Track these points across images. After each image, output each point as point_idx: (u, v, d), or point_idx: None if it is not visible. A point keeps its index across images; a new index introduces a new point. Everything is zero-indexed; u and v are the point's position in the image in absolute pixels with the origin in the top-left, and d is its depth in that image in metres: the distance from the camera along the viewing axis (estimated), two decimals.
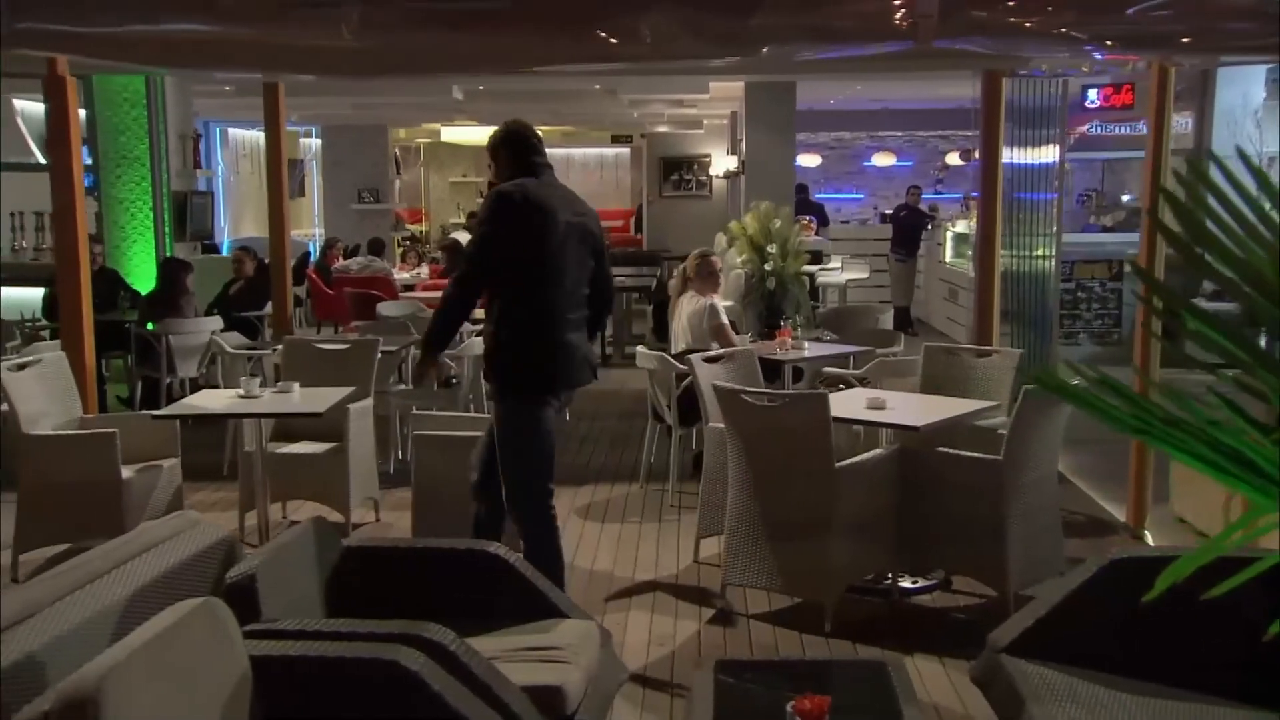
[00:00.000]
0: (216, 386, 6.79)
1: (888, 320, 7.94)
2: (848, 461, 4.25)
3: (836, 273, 11.72)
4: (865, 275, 12.21)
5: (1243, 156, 1.19)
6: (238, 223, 15.19)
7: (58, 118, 5.62)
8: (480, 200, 5.27)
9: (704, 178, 17.73)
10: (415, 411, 5.28)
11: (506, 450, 3.94)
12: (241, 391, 4.88)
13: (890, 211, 14.74)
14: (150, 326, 7.82)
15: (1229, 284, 1.11)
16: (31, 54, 5.04)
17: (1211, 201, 1.08)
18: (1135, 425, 1.15)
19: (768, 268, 7.26)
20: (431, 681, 2.36)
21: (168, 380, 7.68)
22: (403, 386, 6.93)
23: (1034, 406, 4.22)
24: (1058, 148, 8.40)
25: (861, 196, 18.84)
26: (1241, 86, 10.00)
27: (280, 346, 6.22)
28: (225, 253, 11.93)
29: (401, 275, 11.42)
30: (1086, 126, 11.90)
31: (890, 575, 4.57)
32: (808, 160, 17.36)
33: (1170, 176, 5.31)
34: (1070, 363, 1.24)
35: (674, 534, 5.39)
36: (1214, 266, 1.10)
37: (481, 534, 3.97)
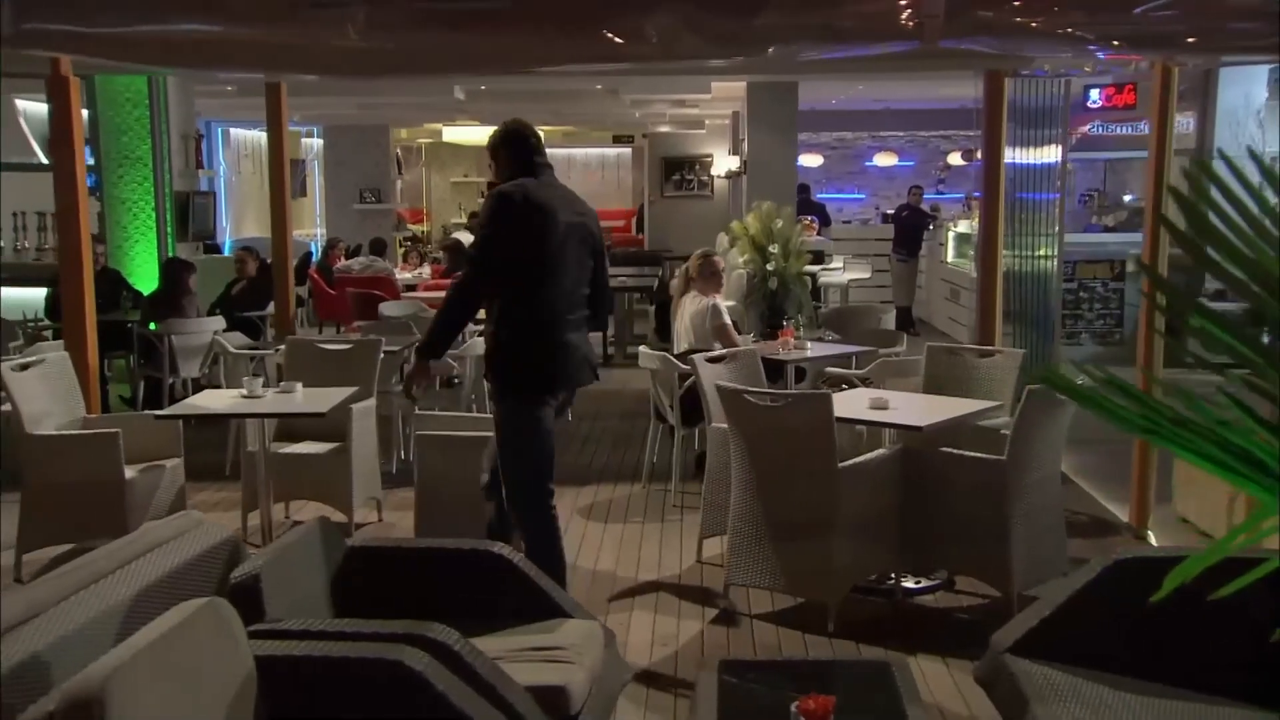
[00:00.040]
0: (219, 386, 6.80)
1: (890, 320, 7.94)
2: (851, 462, 4.24)
3: (838, 273, 11.72)
4: (867, 275, 12.21)
5: (1254, 156, 1.19)
6: (239, 223, 15.20)
7: (61, 118, 5.62)
8: (482, 200, 5.28)
9: (705, 178, 17.74)
10: (418, 412, 5.27)
11: (507, 450, 3.95)
12: (244, 391, 4.88)
13: (892, 211, 14.74)
14: (153, 326, 7.83)
15: (1236, 283, 1.11)
16: (36, 54, 5.04)
17: (1220, 200, 1.08)
18: (1144, 425, 1.15)
19: (770, 268, 7.26)
20: (436, 682, 2.36)
21: (170, 380, 7.69)
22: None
23: (1038, 406, 4.22)
24: (1060, 148, 8.41)
25: (863, 196, 18.84)
26: (1244, 87, 9.99)
27: (283, 347, 6.22)
28: (227, 253, 11.93)
29: (403, 275, 11.42)
30: (1088, 126, 11.89)
31: (893, 575, 4.56)
32: (809, 160, 17.36)
33: (1174, 176, 5.31)
34: (1078, 363, 1.24)
35: (676, 534, 5.39)
36: (1221, 265, 1.10)
37: (495, 534, 3.98)
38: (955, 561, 4.53)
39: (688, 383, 5.76)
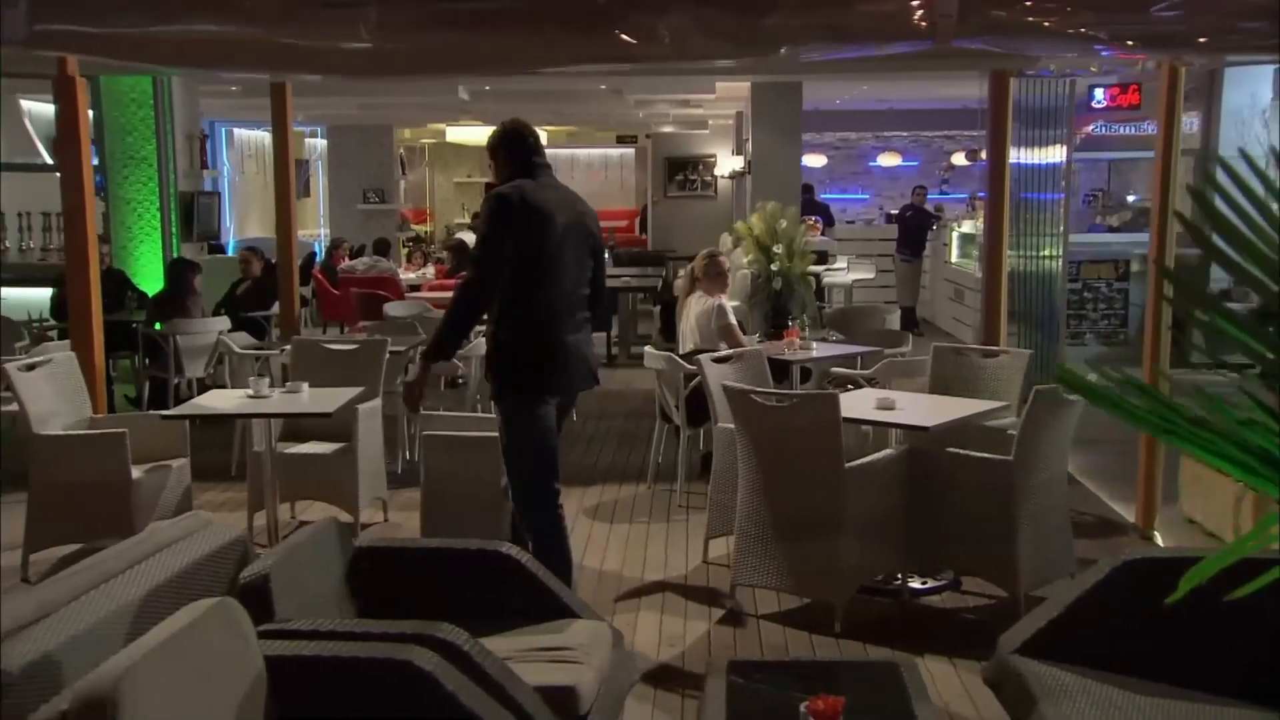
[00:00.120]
0: (224, 387, 6.80)
1: (894, 320, 7.94)
2: (857, 462, 4.24)
3: (842, 273, 11.71)
4: (871, 276, 12.20)
5: (1278, 156, 1.19)
6: (243, 223, 15.21)
7: (68, 118, 5.63)
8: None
9: (709, 178, 17.73)
10: (424, 412, 5.27)
11: (509, 451, 3.96)
12: (250, 392, 4.88)
13: (896, 212, 14.73)
14: (158, 327, 7.84)
15: (1256, 282, 1.11)
16: (46, 55, 5.05)
17: (1240, 199, 1.08)
18: (1161, 426, 1.15)
19: (774, 268, 7.25)
20: (445, 682, 2.36)
21: (175, 380, 7.70)
22: None
23: (1045, 407, 4.21)
24: (1064, 148, 8.40)
25: (867, 197, 18.83)
26: (1249, 86, 9.98)
27: (288, 347, 6.23)
28: (231, 253, 11.94)
29: (407, 275, 11.43)
30: (1091, 126, 11.88)
31: (900, 576, 4.56)
32: (813, 160, 17.35)
33: (1180, 176, 5.30)
34: (1093, 364, 1.24)
35: (682, 534, 5.39)
36: (1241, 264, 1.10)
37: (518, 535, 3.97)
38: (962, 562, 4.53)
39: (693, 383, 5.77)
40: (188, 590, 2.55)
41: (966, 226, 12.76)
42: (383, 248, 12.81)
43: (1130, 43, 4.27)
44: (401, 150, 19.48)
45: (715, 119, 16.66)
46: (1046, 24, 3.82)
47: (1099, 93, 11.08)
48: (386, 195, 17.32)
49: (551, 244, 3.86)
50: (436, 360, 3.94)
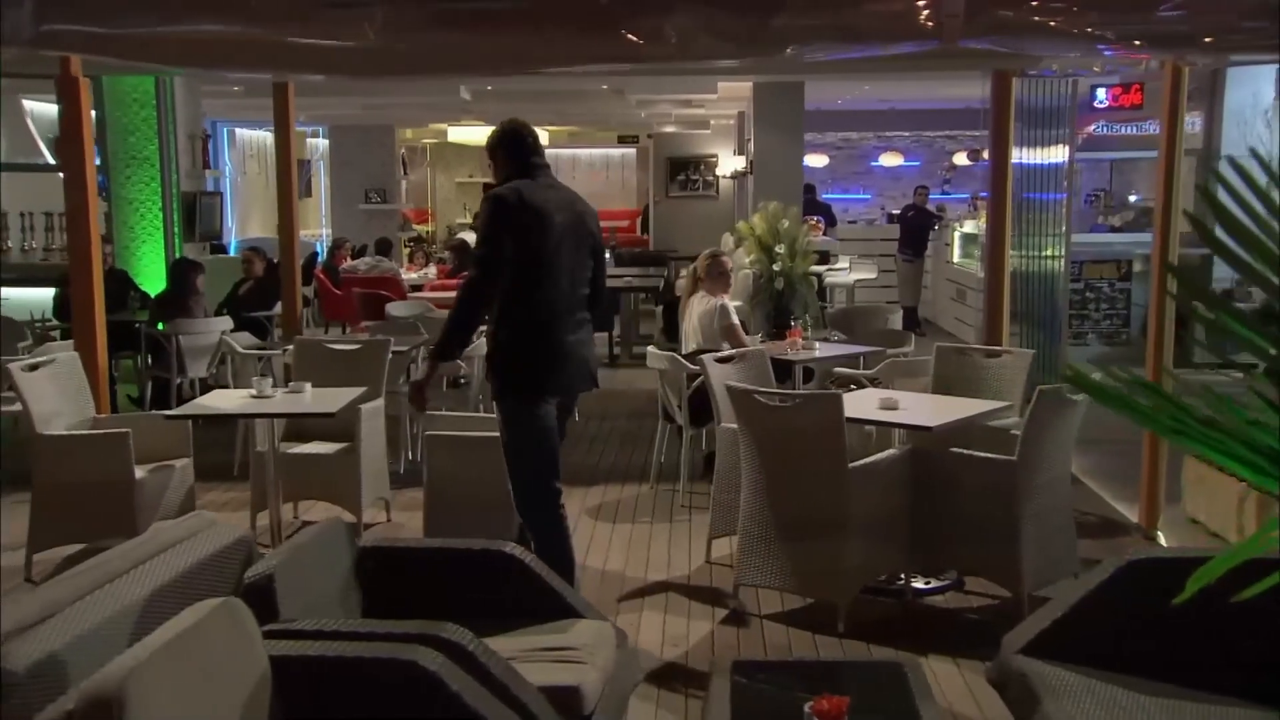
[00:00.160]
0: (226, 386, 6.81)
1: (897, 320, 7.94)
2: (861, 462, 4.24)
3: (844, 273, 11.71)
4: (873, 276, 12.20)
5: None
6: (244, 223, 15.22)
7: (71, 119, 5.64)
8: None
9: (711, 178, 17.73)
10: (428, 411, 5.27)
11: (509, 450, 3.97)
12: (254, 391, 4.88)
13: (897, 212, 14.73)
14: (160, 327, 7.84)
15: (1264, 280, 1.11)
16: (51, 55, 5.05)
17: (1250, 198, 1.08)
18: (1171, 426, 1.15)
19: (776, 268, 7.25)
20: (450, 682, 2.36)
21: (178, 380, 7.70)
22: None
23: (1048, 407, 4.21)
24: (1067, 148, 8.40)
25: (869, 197, 18.83)
26: (1251, 86, 9.98)
27: (290, 347, 6.23)
28: (233, 253, 11.95)
29: (409, 275, 11.43)
30: (1093, 126, 11.88)
31: (903, 576, 4.56)
32: (815, 160, 17.35)
33: (1183, 176, 5.30)
34: (1102, 364, 1.24)
35: (685, 534, 5.39)
36: (1251, 265, 1.10)
37: (524, 536, 3.98)
38: (965, 562, 4.52)
39: (696, 383, 5.77)
40: (192, 590, 2.55)
41: (968, 226, 12.76)
42: (385, 248, 12.81)
43: (1137, 42, 4.27)
44: (403, 150, 19.48)
45: (717, 119, 16.66)
46: (1053, 24, 3.81)
47: (1101, 93, 11.08)
48: (388, 195, 17.33)
49: (550, 244, 3.87)
50: (444, 360, 3.95)
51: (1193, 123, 10.02)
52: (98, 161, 9.21)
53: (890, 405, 4.46)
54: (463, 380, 6.86)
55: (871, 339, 7.03)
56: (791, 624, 4.29)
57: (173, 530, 2.78)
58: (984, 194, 11.63)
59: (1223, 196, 1.21)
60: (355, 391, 5.04)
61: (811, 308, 7.47)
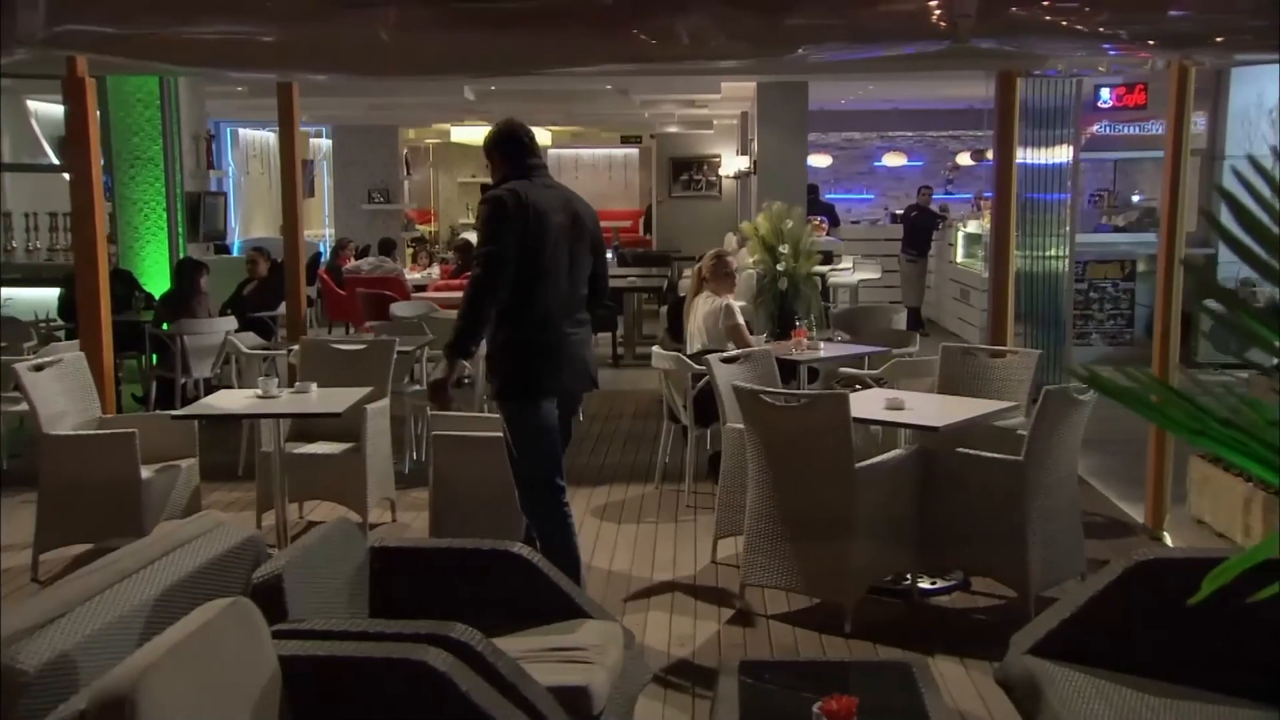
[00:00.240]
0: (230, 387, 6.81)
1: (901, 320, 7.93)
2: (867, 462, 4.24)
3: (848, 273, 11.71)
4: (877, 276, 12.20)
5: None
6: (248, 223, 15.24)
7: (77, 119, 5.64)
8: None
9: (714, 178, 17.74)
10: (432, 412, 5.28)
11: (511, 450, 3.99)
12: (260, 391, 4.88)
13: (901, 212, 14.73)
14: (165, 327, 7.85)
15: None
16: (63, 55, 5.05)
17: (1272, 198, 1.08)
18: (1191, 427, 1.15)
19: (780, 268, 7.25)
20: (460, 682, 2.36)
21: (182, 381, 7.70)
22: (417, 387, 6.94)
23: (1055, 407, 4.21)
24: (1071, 148, 8.40)
25: (872, 197, 18.82)
26: (1256, 86, 9.97)
27: (295, 347, 6.23)
28: (236, 253, 11.96)
29: (413, 276, 11.43)
30: (1096, 126, 11.88)
31: (909, 576, 4.56)
32: (818, 160, 17.35)
33: (1189, 176, 5.30)
34: (1121, 366, 1.24)
35: (691, 534, 5.39)
36: (1270, 263, 1.10)
37: (531, 536, 4.01)
38: (972, 562, 4.52)
39: (701, 383, 5.77)
40: (201, 590, 2.55)
41: (972, 226, 12.76)
42: (388, 248, 12.80)
43: (1151, 42, 4.27)
44: (406, 150, 19.49)
45: (720, 119, 16.67)
46: (1065, 23, 3.81)
47: (1105, 93, 11.08)
48: (391, 195, 17.34)
49: (548, 245, 3.88)
50: (462, 357, 3.93)
51: (1198, 123, 10.01)
52: (102, 162, 9.24)
53: (896, 405, 4.46)
54: (467, 380, 6.86)
55: (875, 339, 7.02)
56: (798, 624, 4.29)
57: (182, 530, 2.79)
58: (987, 194, 11.63)
59: (1238, 195, 1.21)
60: (361, 391, 5.04)
61: (815, 308, 7.47)
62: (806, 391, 5.60)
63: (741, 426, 4.51)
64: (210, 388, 7.56)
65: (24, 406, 5.18)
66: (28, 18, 4.03)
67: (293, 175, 7.26)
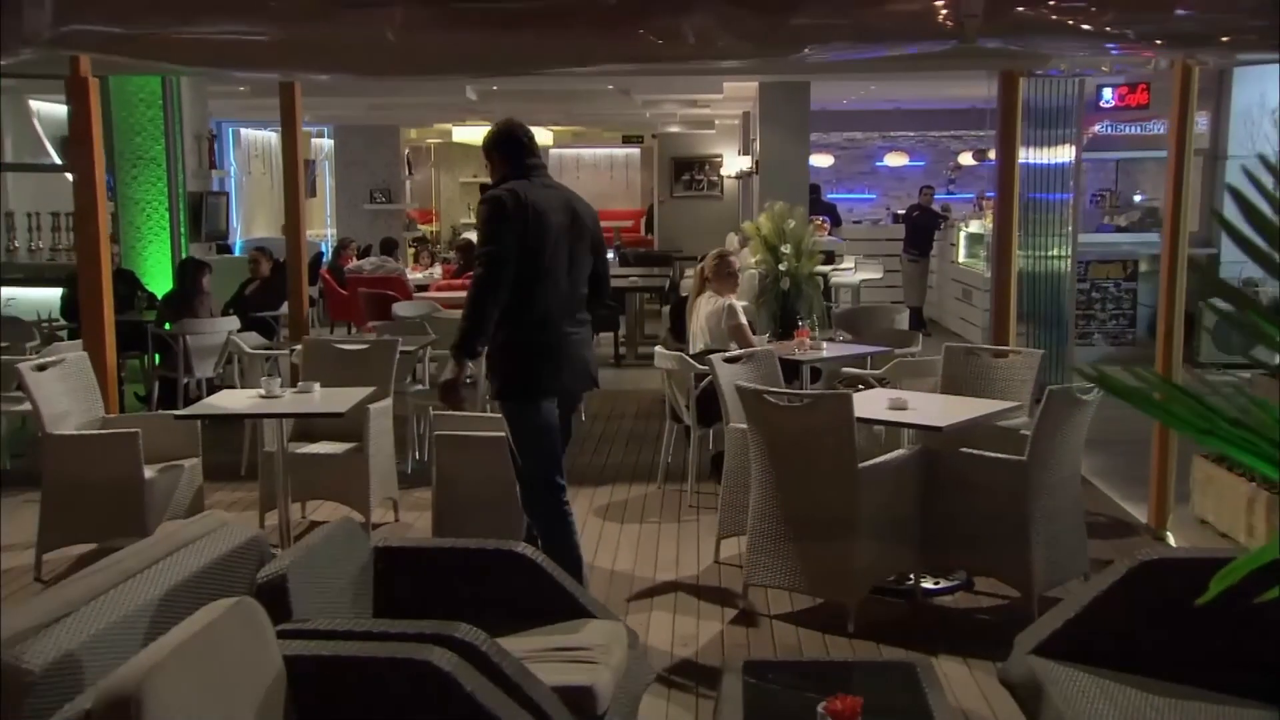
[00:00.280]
0: (233, 386, 6.81)
1: (903, 320, 7.93)
2: (870, 462, 4.24)
3: (850, 273, 11.71)
4: (879, 276, 12.20)
5: None
6: (249, 223, 15.25)
7: (80, 119, 5.64)
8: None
9: (715, 178, 17.74)
10: (434, 412, 5.28)
11: (512, 448, 4.00)
12: (263, 391, 4.88)
13: (903, 212, 14.72)
14: (167, 327, 7.85)
15: None
16: (73, 54, 5.05)
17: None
18: (1200, 427, 1.14)
19: (782, 268, 7.24)
20: (464, 682, 2.36)
21: (185, 380, 7.71)
22: (420, 387, 6.95)
23: (1059, 407, 4.21)
24: (1073, 147, 8.39)
25: (874, 197, 18.82)
26: (1259, 87, 9.96)
27: (298, 347, 6.23)
28: (238, 253, 11.96)
29: (415, 275, 11.43)
30: (1097, 126, 11.87)
31: (912, 576, 4.55)
32: (820, 160, 17.35)
33: (1192, 176, 5.30)
34: (1130, 367, 1.24)
35: (693, 534, 5.39)
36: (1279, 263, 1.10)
37: (532, 535, 4.03)
38: (975, 562, 4.52)
39: (704, 383, 5.76)
40: (206, 590, 2.55)
41: (974, 226, 12.76)
42: (390, 248, 12.81)
43: (1159, 41, 4.26)
44: (408, 150, 19.50)
45: (722, 119, 16.67)
46: (1071, 23, 3.80)
47: (1107, 92, 11.08)
48: (393, 195, 17.35)
49: (547, 245, 3.89)
50: (468, 356, 3.93)
51: (1199, 123, 10.01)
52: (104, 161, 9.25)
53: (899, 405, 4.46)
54: (469, 379, 6.85)
55: (878, 339, 7.02)
56: (801, 624, 4.29)
57: (186, 530, 2.79)
58: (990, 194, 11.63)
59: (1246, 194, 1.21)
60: (364, 391, 5.04)
61: (817, 308, 7.46)
62: (810, 391, 5.59)
63: (745, 426, 4.51)
64: (212, 388, 7.56)
65: (27, 406, 5.17)
66: (34, 17, 4.03)
67: (295, 175, 7.26)
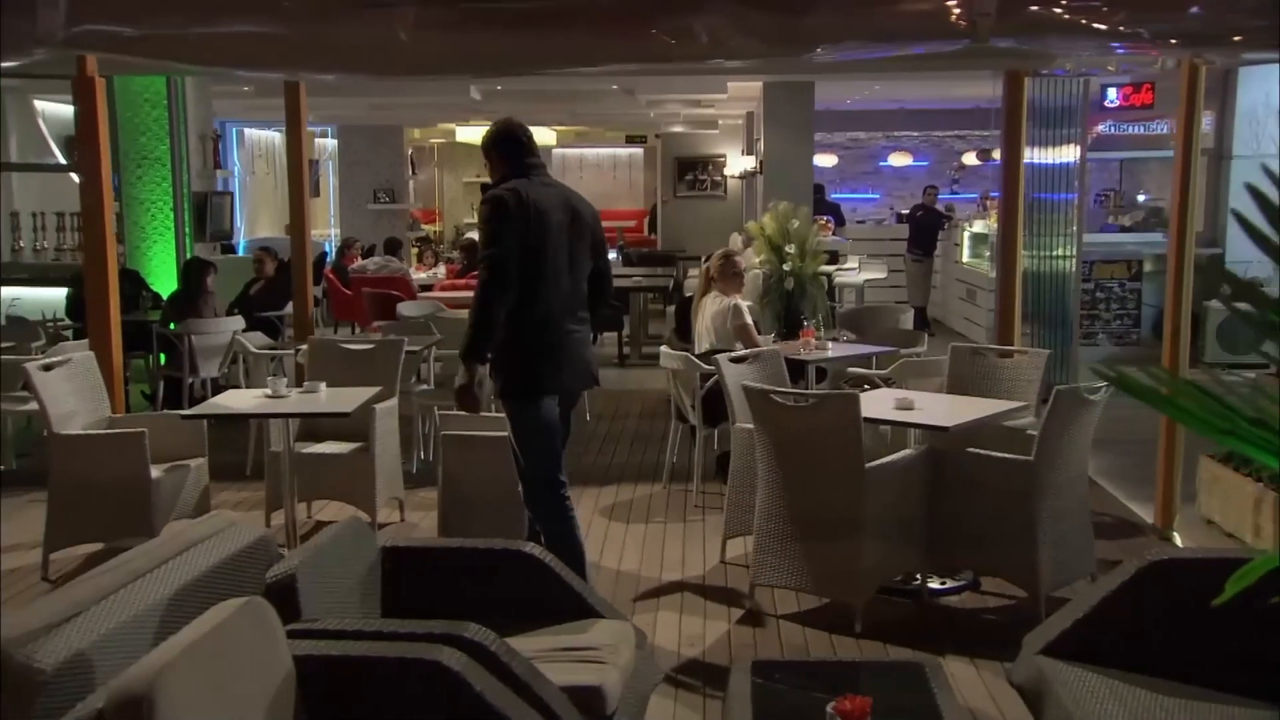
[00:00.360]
0: (237, 386, 6.82)
1: (908, 320, 7.92)
2: (877, 462, 4.24)
3: (853, 273, 11.71)
4: (883, 276, 12.19)
5: None
6: (253, 223, 15.26)
7: (87, 119, 5.65)
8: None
9: (718, 178, 17.73)
10: (440, 412, 5.28)
11: (514, 446, 4.02)
12: (269, 391, 4.89)
13: (906, 212, 14.72)
14: (172, 327, 7.86)
15: None
16: (89, 54, 5.05)
17: None
18: (1220, 427, 1.14)
19: (786, 268, 7.24)
20: (474, 682, 2.36)
21: (189, 380, 7.71)
22: (425, 387, 6.95)
23: (1066, 407, 4.20)
24: (1078, 147, 8.38)
25: (877, 196, 18.81)
26: (1264, 86, 9.95)
27: (303, 346, 6.24)
28: (241, 253, 11.96)
29: (419, 275, 11.43)
30: (1100, 126, 11.86)
31: (919, 576, 4.55)
32: (824, 160, 17.34)
33: (1199, 175, 5.29)
34: (1146, 367, 1.24)
35: (699, 534, 5.39)
36: None
37: (534, 533, 4.05)
38: (982, 562, 4.51)
39: (709, 382, 5.76)
40: (215, 590, 2.55)
41: (978, 226, 12.74)
42: (393, 247, 12.82)
43: (1173, 41, 4.25)
44: (411, 150, 19.51)
45: (725, 119, 16.66)
46: (1084, 21, 3.79)
47: (1112, 92, 11.06)
48: (396, 195, 17.36)
49: (548, 244, 3.89)
50: (476, 361, 3.93)
51: (1205, 122, 9.99)
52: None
53: (906, 405, 4.45)
54: (478, 382, 6.85)
55: (882, 339, 7.01)
56: (808, 624, 4.29)
57: (194, 530, 2.79)
58: (994, 194, 11.60)
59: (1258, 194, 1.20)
60: (370, 391, 5.04)
61: (821, 308, 7.46)
62: (816, 391, 5.59)
63: (751, 426, 4.50)
64: (217, 387, 7.56)
65: (33, 406, 5.18)
66: (48, 17, 4.03)
67: (300, 175, 7.26)
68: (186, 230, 10.02)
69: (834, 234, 12.70)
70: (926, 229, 13.29)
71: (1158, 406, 1.16)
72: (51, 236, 10.25)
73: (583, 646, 2.93)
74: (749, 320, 6.32)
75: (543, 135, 17.33)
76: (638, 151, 21.32)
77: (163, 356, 8.20)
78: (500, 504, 4.49)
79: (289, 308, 8.06)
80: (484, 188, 4.17)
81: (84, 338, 6.34)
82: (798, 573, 4.28)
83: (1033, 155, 8.12)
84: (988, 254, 11.61)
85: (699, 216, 17.37)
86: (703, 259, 7.34)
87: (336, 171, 17.76)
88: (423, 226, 19.80)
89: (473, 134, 18.20)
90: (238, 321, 7.90)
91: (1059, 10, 3.83)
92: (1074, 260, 8.43)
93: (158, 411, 7.53)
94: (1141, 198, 13.98)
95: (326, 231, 17.65)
